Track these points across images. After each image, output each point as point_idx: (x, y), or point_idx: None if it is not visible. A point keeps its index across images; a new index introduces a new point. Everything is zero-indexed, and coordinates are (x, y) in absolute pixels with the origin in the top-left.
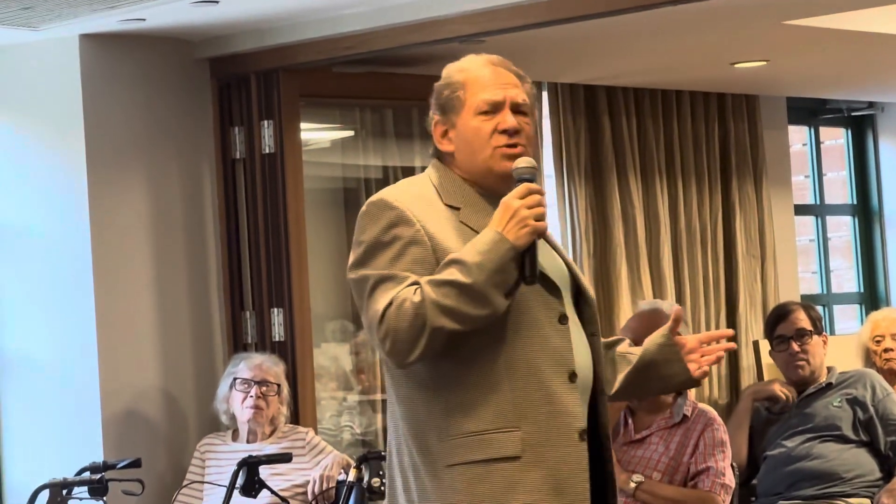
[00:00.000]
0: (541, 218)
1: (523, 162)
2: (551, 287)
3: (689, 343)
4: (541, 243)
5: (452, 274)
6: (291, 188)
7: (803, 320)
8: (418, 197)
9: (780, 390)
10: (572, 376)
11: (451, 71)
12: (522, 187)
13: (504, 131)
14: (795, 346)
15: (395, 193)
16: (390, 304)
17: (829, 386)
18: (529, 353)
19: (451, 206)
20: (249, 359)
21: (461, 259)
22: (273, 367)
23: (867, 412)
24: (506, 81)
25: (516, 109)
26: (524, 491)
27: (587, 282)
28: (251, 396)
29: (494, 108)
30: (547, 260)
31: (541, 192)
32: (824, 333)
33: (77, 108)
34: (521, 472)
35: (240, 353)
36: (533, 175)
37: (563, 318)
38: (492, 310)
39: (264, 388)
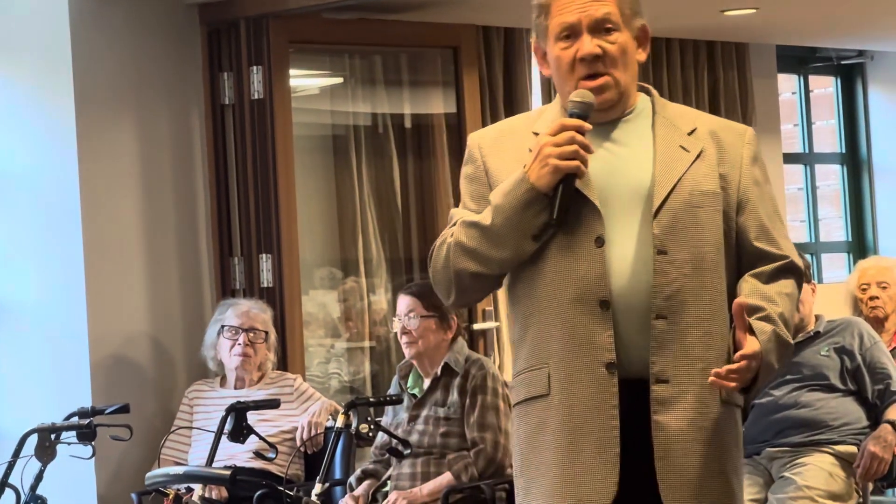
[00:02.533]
0: (571, 157)
1: (576, 95)
2: (590, 208)
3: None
4: (614, 154)
5: (481, 215)
6: (280, 134)
7: None
8: (507, 130)
9: None
10: (603, 304)
11: None
12: (556, 124)
13: (582, 59)
14: None
15: (484, 129)
16: (434, 245)
17: (816, 335)
18: (554, 283)
19: (536, 134)
20: (237, 305)
21: (491, 199)
22: (261, 314)
23: (854, 361)
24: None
25: (597, 28)
26: (550, 430)
27: (683, 194)
28: (239, 344)
29: (573, 32)
30: (602, 177)
31: (578, 128)
32: (813, 282)
33: (66, 53)
34: (548, 409)
35: (227, 300)
36: (584, 110)
37: (598, 240)
38: (512, 252)
39: (252, 336)
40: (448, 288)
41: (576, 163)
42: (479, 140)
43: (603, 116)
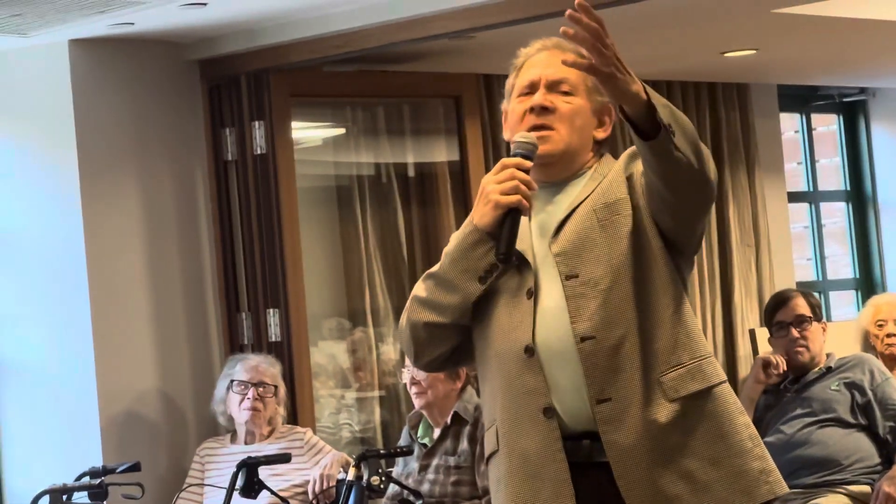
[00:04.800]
0: (512, 192)
1: (519, 136)
2: (524, 263)
3: None
4: (550, 213)
5: (435, 266)
6: (284, 188)
7: (802, 306)
8: None
9: (766, 356)
10: (528, 350)
11: (517, 55)
12: (498, 164)
13: (532, 109)
14: (795, 333)
15: None
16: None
17: (828, 370)
18: (496, 340)
19: None
20: (246, 360)
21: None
22: (270, 369)
23: (865, 396)
24: (553, 62)
25: (554, 87)
26: (506, 484)
27: (584, 213)
28: (248, 398)
29: (532, 89)
30: (536, 233)
31: (519, 166)
32: (823, 321)
33: (68, 113)
34: (500, 463)
35: (236, 355)
36: (527, 150)
37: (528, 293)
38: (461, 296)
39: (261, 390)
40: (408, 344)
41: (516, 197)
42: None
43: (548, 175)
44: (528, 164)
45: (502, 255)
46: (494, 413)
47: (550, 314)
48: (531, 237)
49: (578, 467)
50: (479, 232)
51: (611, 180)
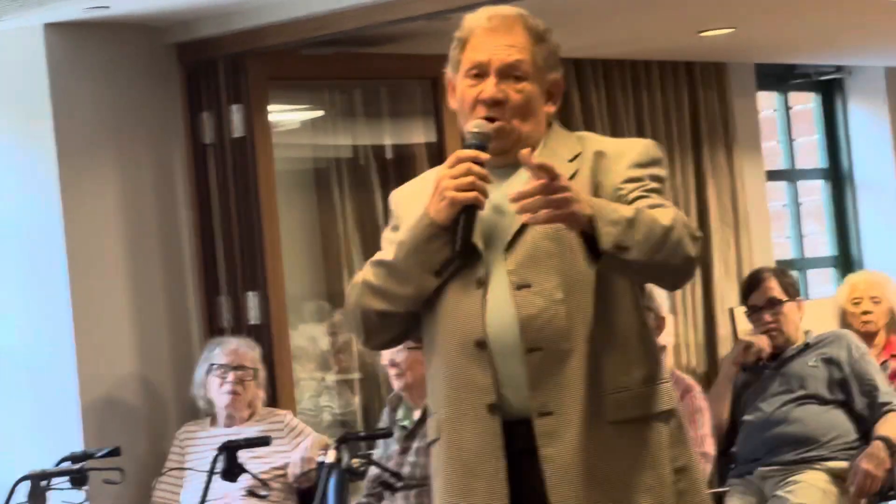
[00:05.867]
0: (469, 188)
1: (474, 126)
2: (470, 250)
3: None
4: (503, 198)
5: (387, 253)
6: (262, 171)
7: (774, 289)
8: (424, 182)
9: (748, 338)
10: (479, 344)
11: (461, 24)
12: (453, 156)
13: (483, 101)
14: (768, 317)
15: (403, 185)
16: (348, 286)
17: (806, 347)
18: (443, 327)
19: None
20: (225, 344)
21: (399, 238)
22: (249, 352)
23: (842, 371)
24: (502, 43)
25: (506, 73)
26: (441, 473)
27: (539, 231)
28: (228, 382)
29: (481, 71)
30: (487, 220)
31: (475, 159)
32: (799, 298)
33: (45, 97)
34: (440, 453)
35: (215, 338)
36: (482, 140)
37: (478, 282)
38: (415, 288)
39: (241, 373)
40: (357, 328)
41: (473, 194)
42: (398, 196)
43: (502, 161)
44: (484, 156)
45: (458, 251)
46: (437, 402)
47: (501, 306)
48: (477, 221)
49: (526, 452)
50: (435, 226)
51: (574, 180)
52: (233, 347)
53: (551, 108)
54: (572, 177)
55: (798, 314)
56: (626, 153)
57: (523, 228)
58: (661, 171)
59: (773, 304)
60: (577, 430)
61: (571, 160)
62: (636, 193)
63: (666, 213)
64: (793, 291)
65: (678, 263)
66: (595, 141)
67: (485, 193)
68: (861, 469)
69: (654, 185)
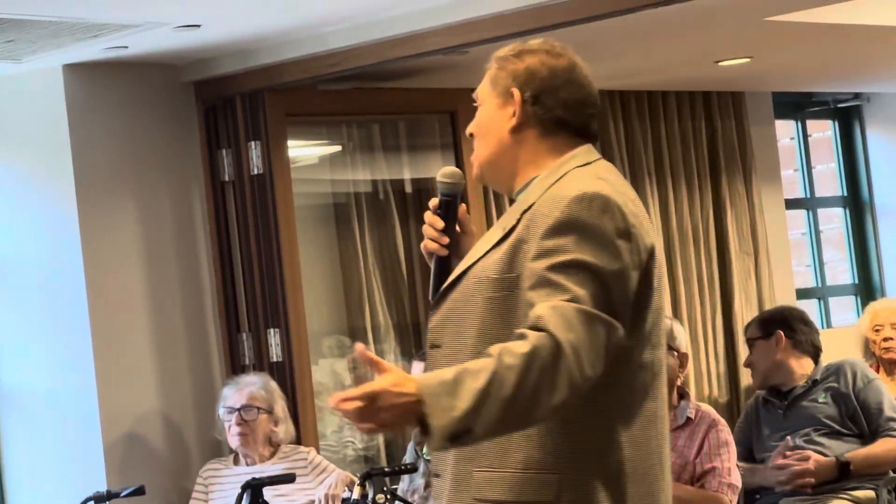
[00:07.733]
0: (429, 240)
1: (440, 175)
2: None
3: None
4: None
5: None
6: (282, 207)
7: (750, 329)
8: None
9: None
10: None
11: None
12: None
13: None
14: (750, 359)
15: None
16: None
17: (814, 382)
18: None
19: None
20: (234, 384)
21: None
22: (259, 391)
23: (851, 404)
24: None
25: (475, 105)
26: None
27: (467, 283)
28: (234, 425)
29: None
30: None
31: (431, 223)
32: (778, 332)
33: (64, 137)
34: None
35: (231, 378)
36: (450, 190)
37: (432, 347)
38: None
39: (244, 414)
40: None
41: (432, 245)
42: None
43: (503, 190)
44: (440, 223)
45: (430, 298)
46: None
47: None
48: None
49: None
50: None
51: (500, 246)
52: (240, 388)
53: (511, 122)
54: (504, 238)
55: (776, 348)
56: (547, 213)
57: (453, 284)
58: (576, 239)
59: (750, 344)
60: (447, 500)
61: (524, 212)
62: (532, 284)
63: (523, 351)
64: (769, 329)
65: (543, 414)
66: (548, 190)
67: (441, 250)
68: (797, 470)
69: (563, 258)
